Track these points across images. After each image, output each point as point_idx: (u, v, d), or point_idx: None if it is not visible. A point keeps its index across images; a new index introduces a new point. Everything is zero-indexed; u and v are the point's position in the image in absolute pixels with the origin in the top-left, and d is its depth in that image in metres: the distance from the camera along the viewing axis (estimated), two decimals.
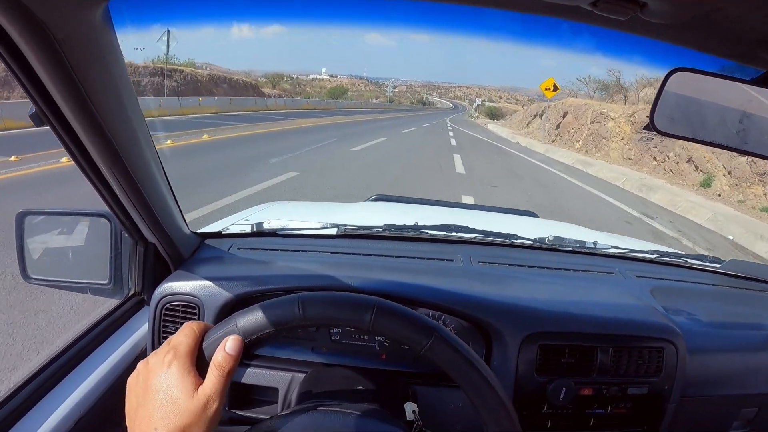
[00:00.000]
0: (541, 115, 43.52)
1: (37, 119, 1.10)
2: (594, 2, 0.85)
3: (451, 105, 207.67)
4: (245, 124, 27.63)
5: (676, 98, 1.15)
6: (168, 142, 16.64)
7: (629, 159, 24.92)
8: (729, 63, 1.13)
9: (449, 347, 1.03)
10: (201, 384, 0.94)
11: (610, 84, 39.45)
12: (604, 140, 27.75)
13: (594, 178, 20.43)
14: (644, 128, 22.74)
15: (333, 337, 1.62)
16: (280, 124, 30.55)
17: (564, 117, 34.77)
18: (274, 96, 63.05)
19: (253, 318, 1.01)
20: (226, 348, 0.96)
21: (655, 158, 23.03)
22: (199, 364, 0.97)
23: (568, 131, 33.06)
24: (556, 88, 33.60)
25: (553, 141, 33.93)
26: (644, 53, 1.25)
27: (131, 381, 0.99)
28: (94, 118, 1.09)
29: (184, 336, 0.99)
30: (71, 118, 1.09)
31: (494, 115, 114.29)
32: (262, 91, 64.96)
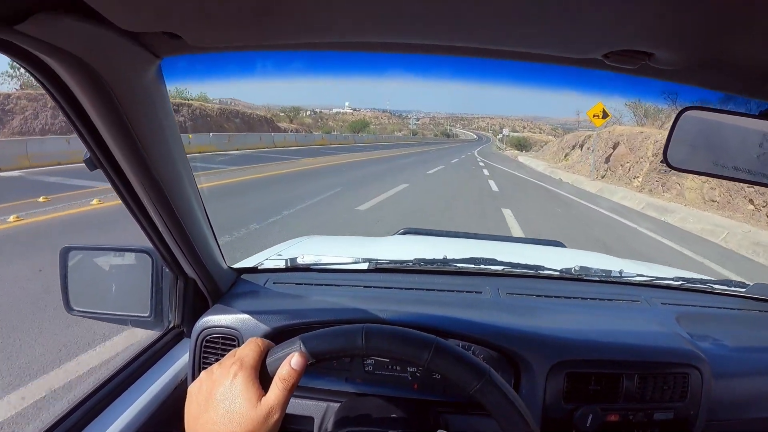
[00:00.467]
0: (581, 146, 39.60)
1: (91, 164, 1.20)
2: (606, 55, 0.91)
3: (475, 136, 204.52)
4: (233, 167, 22.25)
5: (688, 135, 1.19)
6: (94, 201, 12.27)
7: (713, 201, 18.94)
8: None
9: (498, 391, 1.07)
10: (264, 396, 0.98)
11: (663, 110, 32.87)
12: (674, 177, 22.18)
13: (679, 232, 14.92)
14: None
15: (366, 368, 1.66)
16: (278, 166, 24.61)
17: (615, 148, 29.58)
18: (291, 131, 60.46)
19: (318, 341, 1.06)
20: (291, 363, 1.00)
21: (752, 201, 16.97)
22: (262, 377, 1.01)
23: (621, 165, 28.19)
24: (605, 115, 28.82)
25: (602, 177, 29.28)
26: (657, 92, 1.30)
27: (193, 389, 1.03)
28: (143, 162, 1.17)
29: (249, 350, 1.04)
30: (123, 162, 1.17)
31: (522, 145, 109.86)
32: (278, 126, 60.16)
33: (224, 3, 0.76)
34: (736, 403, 1.75)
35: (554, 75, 1.21)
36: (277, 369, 1.00)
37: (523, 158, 56.26)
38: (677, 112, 1.19)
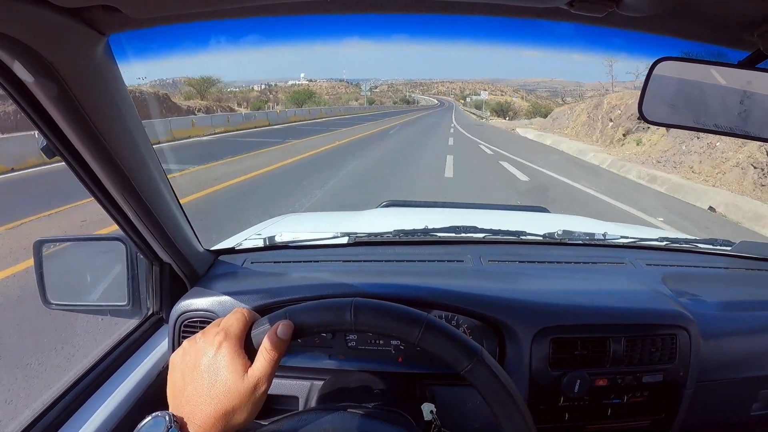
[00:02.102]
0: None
1: (49, 152, 1.15)
2: (570, 2, 0.87)
3: (436, 102, 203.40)
4: None
5: (663, 87, 1.16)
6: None
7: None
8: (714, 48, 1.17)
9: (489, 371, 1.06)
10: (250, 366, 0.96)
11: None
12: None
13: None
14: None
15: (349, 344, 1.65)
16: None
17: None
18: (198, 110, 46.39)
19: (305, 314, 1.04)
20: (278, 332, 0.98)
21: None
22: (247, 348, 0.99)
23: None
24: None
25: None
26: (628, 45, 1.28)
27: (175, 358, 1.00)
28: (103, 147, 1.13)
29: (235, 319, 1.01)
30: (81, 149, 1.13)
31: (504, 111, 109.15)
32: (176, 105, 44.14)
33: None
34: (725, 362, 1.76)
35: (515, 31, 1.19)
36: (263, 340, 0.98)
37: (550, 139, 31.62)
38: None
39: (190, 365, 0.97)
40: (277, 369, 0.99)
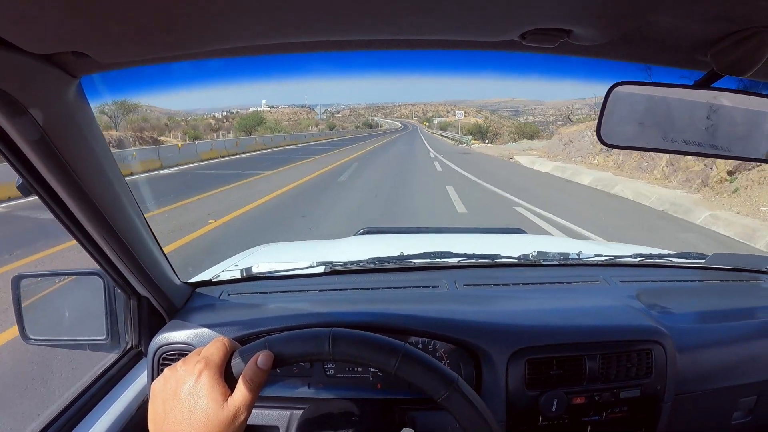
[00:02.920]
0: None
1: (24, 189, 1.16)
2: (522, 35, 0.90)
3: (399, 125, 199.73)
4: None
5: (621, 111, 1.19)
6: None
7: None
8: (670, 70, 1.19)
9: (465, 400, 1.08)
10: (230, 395, 0.97)
11: None
12: None
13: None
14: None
15: (328, 372, 1.65)
16: None
17: None
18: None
19: (283, 344, 1.06)
20: (258, 362, 1.00)
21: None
22: (227, 377, 1.00)
23: None
24: None
25: None
26: (584, 69, 1.32)
27: (156, 386, 1.01)
28: (77, 185, 1.15)
29: (215, 348, 1.03)
30: (56, 187, 1.15)
31: (482, 133, 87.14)
32: None
33: (123, 21, 0.75)
34: (703, 374, 1.78)
35: (473, 60, 1.22)
36: (243, 369, 1.00)
37: (589, 178, 21.82)
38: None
39: (171, 393, 0.98)
40: (257, 399, 1.01)
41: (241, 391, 0.98)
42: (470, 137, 73.60)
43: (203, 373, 0.98)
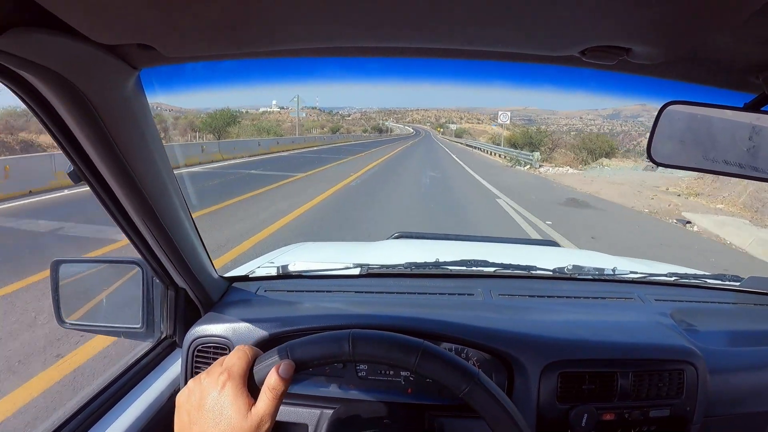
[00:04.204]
0: None
1: (75, 176, 1.20)
2: (582, 51, 0.91)
3: (411, 130, 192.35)
4: None
5: (671, 131, 1.19)
6: None
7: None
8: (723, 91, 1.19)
9: (487, 393, 1.09)
10: (254, 405, 0.99)
11: None
12: None
13: None
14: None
15: (360, 374, 1.65)
16: None
17: None
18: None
19: (304, 348, 1.07)
20: (279, 371, 1.00)
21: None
22: (250, 386, 1.02)
23: None
24: None
25: None
26: (637, 89, 1.32)
27: (181, 398, 1.04)
28: (127, 174, 1.18)
29: (237, 358, 1.04)
30: (107, 175, 1.18)
31: (533, 147, 50.42)
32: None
33: (194, 15, 0.77)
34: (733, 397, 1.75)
35: (488, 69, 1.22)
36: (265, 377, 1.01)
37: None
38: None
39: (196, 405, 1.01)
40: (288, 396, 1.02)
41: (263, 401, 0.99)
42: (536, 155, 39.35)
43: (227, 384, 1.00)
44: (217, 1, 0.72)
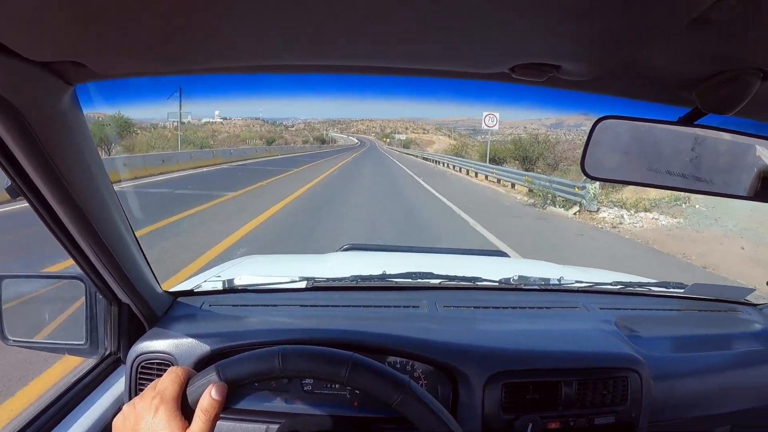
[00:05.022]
0: None
1: (13, 192, 1.17)
2: (512, 68, 0.93)
3: (356, 141, 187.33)
4: None
5: (605, 145, 1.21)
6: None
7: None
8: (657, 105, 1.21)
9: (419, 402, 1.10)
10: (188, 428, 0.98)
11: None
12: None
13: None
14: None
15: (305, 388, 1.65)
16: None
17: None
18: None
19: (235, 367, 1.07)
20: (212, 394, 1.00)
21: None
22: (184, 409, 1.01)
23: None
24: None
25: None
26: (576, 102, 1.35)
27: (117, 423, 1.03)
28: (65, 189, 1.16)
29: (169, 381, 1.04)
30: (44, 191, 1.16)
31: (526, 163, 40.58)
32: None
33: (123, 34, 0.77)
34: (678, 402, 1.80)
35: (434, 84, 1.24)
36: (199, 398, 1.01)
37: None
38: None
39: (130, 430, 1.00)
40: (232, 412, 1.03)
41: (197, 424, 0.99)
42: (592, 189, 18.70)
43: (160, 408, 1.00)
44: (144, 21, 0.72)
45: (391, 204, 19.09)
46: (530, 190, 23.22)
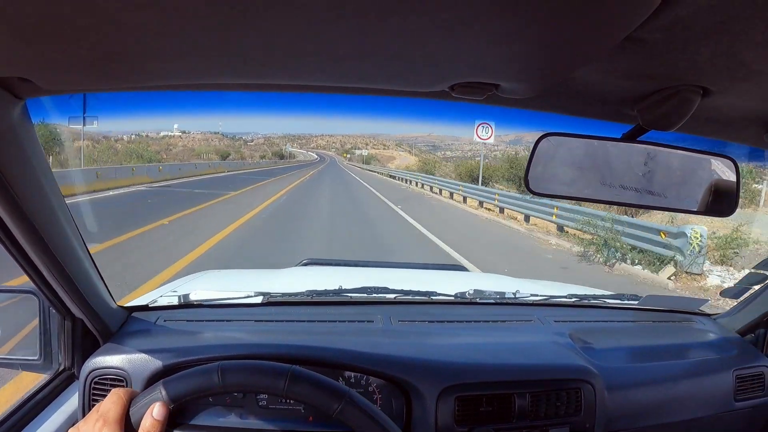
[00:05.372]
0: None
1: None
2: (452, 87, 0.95)
3: (315, 156, 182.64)
4: None
5: (547, 161, 1.24)
6: None
7: None
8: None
9: (359, 410, 1.12)
10: None
11: None
12: None
13: None
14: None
15: (260, 403, 1.64)
16: None
17: None
18: None
19: (176, 385, 1.08)
20: (153, 414, 1.01)
21: None
22: (127, 429, 1.02)
23: None
24: None
25: None
26: (514, 119, 1.37)
27: None
28: (14, 202, 1.15)
29: (111, 403, 1.04)
30: None
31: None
32: None
33: (65, 51, 0.78)
34: (632, 412, 1.82)
35: (392, 101, 1.25)
36: (141, 418, 1.01)
37: None
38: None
39: None
40: (186, 428, 1.04)
41: None
42: (701, 234, 11.61)
43: (103, 430, 1.00)
44: (85, 39, 0.73)
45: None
46: (558, 229, 17.34)
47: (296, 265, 3.43)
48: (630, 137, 1.21)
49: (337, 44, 0.79)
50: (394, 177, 56.93)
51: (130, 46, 0.78)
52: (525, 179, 1.25)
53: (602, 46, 0.78)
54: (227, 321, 1.99)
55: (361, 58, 0.85)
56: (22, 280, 1.53)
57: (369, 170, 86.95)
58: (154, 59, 0.85)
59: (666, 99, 1.04)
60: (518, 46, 0.78)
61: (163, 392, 1.07)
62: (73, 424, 1.59)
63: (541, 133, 1.24)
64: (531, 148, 1.24)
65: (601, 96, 1.13)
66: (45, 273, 1.41)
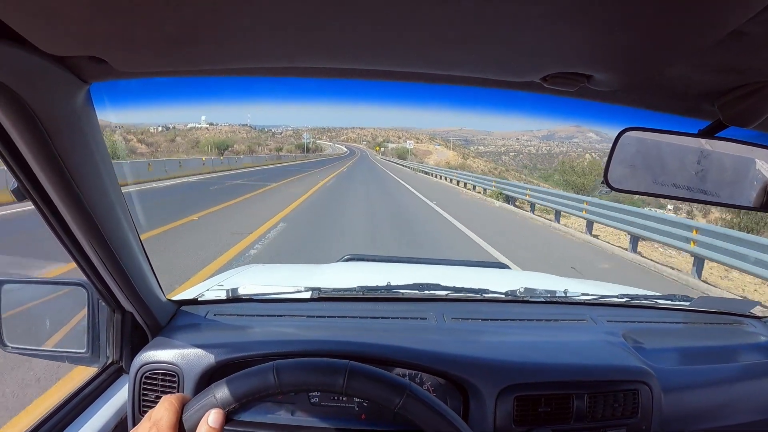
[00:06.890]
0: None
1: (19, 194, 1.14)
2: (544, 78, 0.92)
3: (345, 149, 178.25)
4: None
5: (628, 156, 1.19)
6: None
7: None
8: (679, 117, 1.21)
9: (421, 403, 1.08)
10: None
11: None
12: None
13: None
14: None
15: (312, 400, 1.63)
16: None
17: None
18: None
19: (230, 388, 1.04)
20: (209, 422, 0.98)
21: None
22: None
23: None
24: None
25: None
26: (597, 115, 1.33)
27: None
28: (73, 192, 1.14)
29: (164, 410, 1.00)
30: (51, 192, 1.13)
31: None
32: None
33: (149, 29, 0.75)
34: (687, 415, 1.79)
35: (428, 92, 1.22)
36: (196, 425, 0.99)
37: None
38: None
39: None
40: (236, 424, 1.00)
41: None
42: None
43: None
44: (172, 16, 0.70)
45: None
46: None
47: (338, 261, 3.43)
48: (708, 132, 1.16)
49: (439, 29, 0.75)
50: (453, 181, 39.78)
51: (216, 25, 0.74)
52: (605, 176, 1.21)
53: (707, 38, 0.75)
54: (277, 316, 1.96)
55: (462, 44, 0.82)
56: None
57: (410, 168, 72.46)
58: (239, 40, 0.81)
59: (749, 95, 1.01)
60: (621, 37, 0.75)
61: (217, 396, 1.03)
62: (123, 420, 1.59)
63: (583, 129, 1.20)
64: (611, 146, 1.20)
65: (683, 90, 1.09)
66: (98, 264, 1.39)
